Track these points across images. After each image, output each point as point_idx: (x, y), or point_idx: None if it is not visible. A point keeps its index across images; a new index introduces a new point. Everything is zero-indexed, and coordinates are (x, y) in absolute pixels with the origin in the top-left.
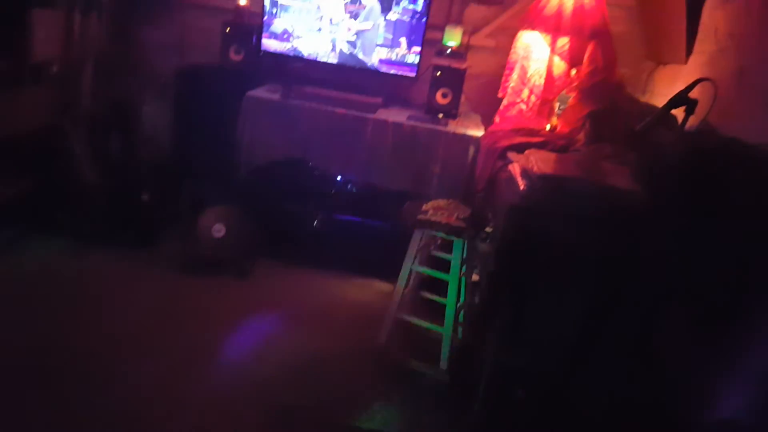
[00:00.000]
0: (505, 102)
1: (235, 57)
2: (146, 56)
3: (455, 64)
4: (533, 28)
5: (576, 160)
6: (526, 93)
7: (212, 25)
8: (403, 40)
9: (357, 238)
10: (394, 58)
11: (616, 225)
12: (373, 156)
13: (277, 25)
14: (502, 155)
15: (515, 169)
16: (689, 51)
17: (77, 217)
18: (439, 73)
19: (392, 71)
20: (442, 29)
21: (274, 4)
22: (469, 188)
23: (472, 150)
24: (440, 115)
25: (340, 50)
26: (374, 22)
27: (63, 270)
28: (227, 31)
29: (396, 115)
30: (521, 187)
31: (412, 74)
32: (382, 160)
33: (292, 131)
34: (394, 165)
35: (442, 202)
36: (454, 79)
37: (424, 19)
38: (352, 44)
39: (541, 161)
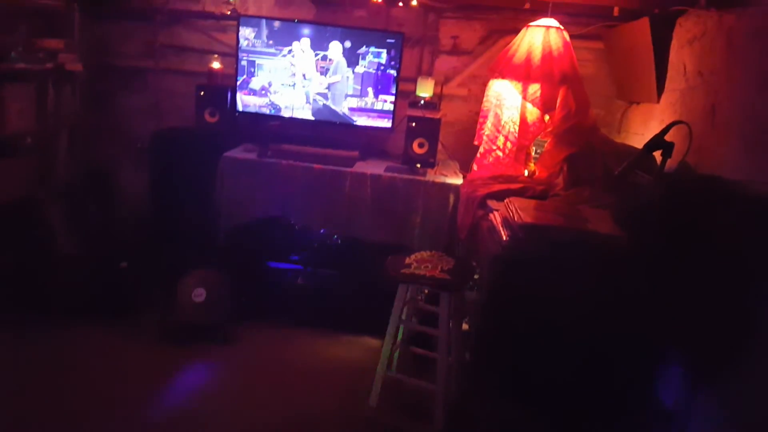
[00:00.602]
0: (481, 149)
1: (210, 119)
2: (122, 122)
3: (429, 114)
4: (504, 77)
5: (556, 207)
6: (501, 140)
7: (186, 89)
8: (370, 90)
9: (341, 292)
10: (363, 105)
11: (599, 271)
12: (353, 210)
13: (255, 83)
14: (482, 203)
15: (496, 218)
16: (660, 89)
17: (55, 288)
18: (414, 123)
19: (367, 124)
20: (414, 81)
21: (251, 64)
22: (452, 237)
23: (452, 198)
24: (418, 165)
25: (314, 101)
26: (342, 75)
27: (39, 343)
28: (201, 94)
29: (374, 168)
30: (504, 238)
31: (388, 125)
32: (362, 214)
33: (271, 189)
34: (375, 217)
35: (425, 254)
36: (429, 129)
37: (389, 71)
38: (324, 96)
39: (521, 210)
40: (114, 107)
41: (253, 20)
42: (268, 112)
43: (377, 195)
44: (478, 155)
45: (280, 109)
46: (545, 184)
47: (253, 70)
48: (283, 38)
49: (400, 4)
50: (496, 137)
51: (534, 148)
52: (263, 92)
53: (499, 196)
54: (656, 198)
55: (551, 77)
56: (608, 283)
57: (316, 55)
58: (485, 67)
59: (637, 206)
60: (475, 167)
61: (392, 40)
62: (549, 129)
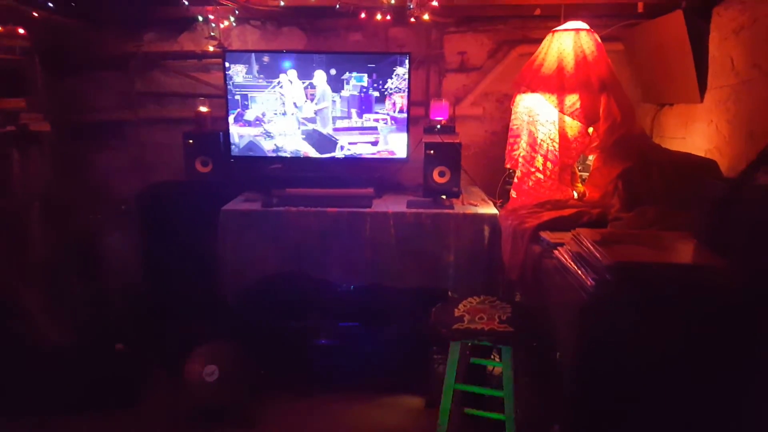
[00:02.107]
0: (518, 173)
1: (202, 169)
2: (102, 183)
3: (448, 139)
4: (534, 90)
5: (632, 237)
6: (540, 161)
7: (172, 139)
8: (354, 111)
9: (370, 347)
10: (346, 125)
11: (710, 312)
12: (377, 254)
13: (249, 114)
14: (534, 236)
15: (564, 255)
16: (702, 88)
17: (41, 385)
18: (432, 151)
19: (378, 155)
20: (423, 104)
21: (244, 97)
22: (491, 275)
23: (487, 230)
24: (443, 197)
25: (302, 125)
26: (330, 100)
27: None
28: (189, 142)
29: (394, 204)
30: (587, 282)
31: (402, 156)
32: (387, 258)
33: (281, 241)
34: (402, 260)
35: (474, 300)
36: (449, 155)
37: (371, 92)
38: (312, 120)
39: (596, 243)
40: (92, 168)
41: (239, 55)
42: (263, 140)
43: (402, 235)
44: (515, 180)
45: (273, 137)
46: (600, 206)
47: (246, 103)
48: (271, 71)
49: (412, 19)
50: (533, 158)
51: (578, 166)
52: (257, 122)
53: (553, 226)
54: None
55: (589, 85)
56: (722, 326)
57: (305, 84)
58: (499, 82)
59: (753, 229)
60: (513, 194)
61: (396, 62)
62: (594, 143)
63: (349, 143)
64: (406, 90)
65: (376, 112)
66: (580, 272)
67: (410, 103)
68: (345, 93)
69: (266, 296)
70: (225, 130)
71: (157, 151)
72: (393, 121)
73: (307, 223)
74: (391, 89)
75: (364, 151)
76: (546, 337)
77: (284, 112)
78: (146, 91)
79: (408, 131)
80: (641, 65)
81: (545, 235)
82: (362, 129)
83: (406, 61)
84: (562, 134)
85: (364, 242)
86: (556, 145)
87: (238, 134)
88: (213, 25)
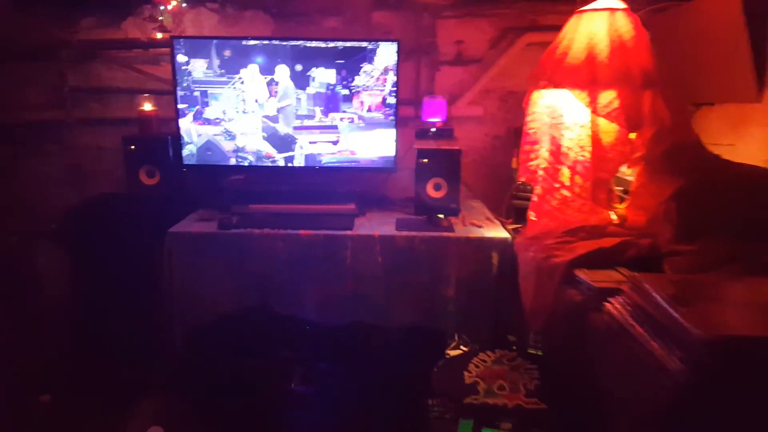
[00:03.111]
0: (538, 190)
1: (147, 180)
2: (31, 195)
3: (445, 145)
4: (557, 85)
5: (719, 287)
6: (566, 174)
7: (117, 142)
8: (317, 109)
9: (354, 394)
10: (309, 123)
11: None
12: (360, 286)
13: (209, 112)
14: (567, 275)
15: (622, 312)
16: (762, 83)
17: None
18: (426, 159)
19: (362, 163)
20: (412, 104)
21: (203, 94)
22: (501, 317)
23: (496, 258)
24: (440, 216)
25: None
26: (293, 97)
27: None
28: (131, 148)
29: (381, 224)
30: (668, 361)
31: (390, 164)
32: (373, 291)
33: (241, 271)
34: (391, 295)
35: (488, 358)
36: (446, 166)
37: (339, 90)
38: (275, 119)
39: (674, 301)
40: (19, 176)
41: (196, 47)
42: (224, 139)
43: (391, 263)
44: (534, 198)
45: (235, 137)
46: (649, 234)
47: (207, 100)
48: (233, 65)
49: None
50: (557, 171)
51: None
52: (218, 121)
53: (591, 261)
54: None
55: (630, 78)
56: None
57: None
58: (502, 77)
59: None
60: (532, 216)
61: (365, 58)
62: (638, 154)
63: (309, 142)
64: (385, 86)
65: (344, 111)
66: (656, 345)
67: (398, 101)
68: (311, 90)
69: (223, 337)
70: (175, 133)
71: (97, 157)
72: (361, 120)
73: (274, 249)
74: (358, 87)
75: (324, 150)
76: (590, 415)
77: (245, 110)
78: (84, 86)
79: (396, 135)
80: (676, 57)
81: (583, 274)
82: (323, 128)
83: (385, 53)
84: (596, 141)
85: (344, 272)
86: (588, 155)
87: (197, 133)
88: (162, 7)
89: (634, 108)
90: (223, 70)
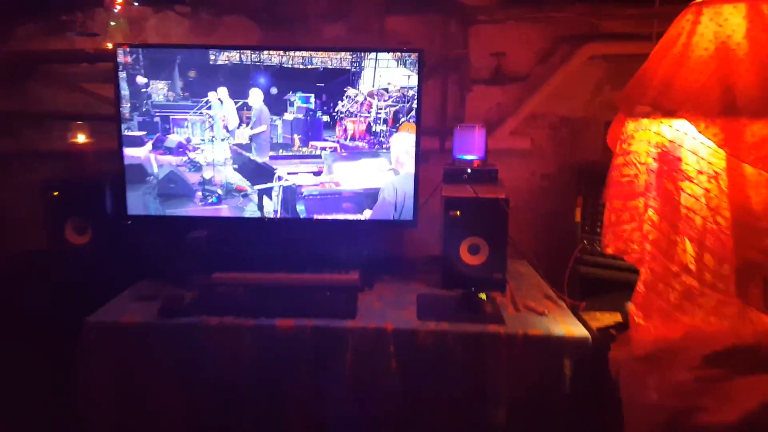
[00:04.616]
0: (644, 274)
1: (76, 238)
2: None
3: (485, 192)
4: (668, 113)
5: None
6: (689, 250)
7: (33, 185)
8: (296, 137)
9: None
10: (284, 153)
11: None
12: (365, 405)
13: (171, 140)
14: None
15: None
16: None
17: None
18: (458, 212)
19: (377, 218)
20: (438, 133)
21: (164, 120)
22: None
23: (568, 368)
24: (482, 297)
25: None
26: (268, 124)
27: None
28: (53, 195)
29: (395, 306)
30: None
31: (408, 217)
32: (383, 412)
33: (194, 381)
34: (410, 418)
35: None
36: (488, 220)
37: (319, 116)
38: (247, 147)
39: None
40: None
41: (157, 65)
42: (188, 170)
43: (411, 370)
44: (640, 286)
45: (201, 168)
46: None
47: (168, 126)
48: (198, 87)
49: None
50: (675, 243)
51: None
52: (181, 150)
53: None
54: None
55: None
56: None
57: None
58: (555, 100)
59: None
60: (636, 317)
61: (348, 81)
62: None
63: (288, 173)
64: (408, 109)
65: (325, 140)
66: None
67: (419, 130)
68: (288, 117)
69: None
70: (119, 172)
71: (13, 204)
72: (343, 149)
73: (240, 348)
74: (342, 113)
75: (306, 182)
76: None
77: (213, 137)
78: (14, 109)
79: (417, 177)
80: None
81: None
82: (303, 157)
83: (419, 60)
84: (738, 200)
85: (342, 384)
86: (725, 222)
87: (158, 163)
88: (116, 11)
89: None
90: (187, 93)
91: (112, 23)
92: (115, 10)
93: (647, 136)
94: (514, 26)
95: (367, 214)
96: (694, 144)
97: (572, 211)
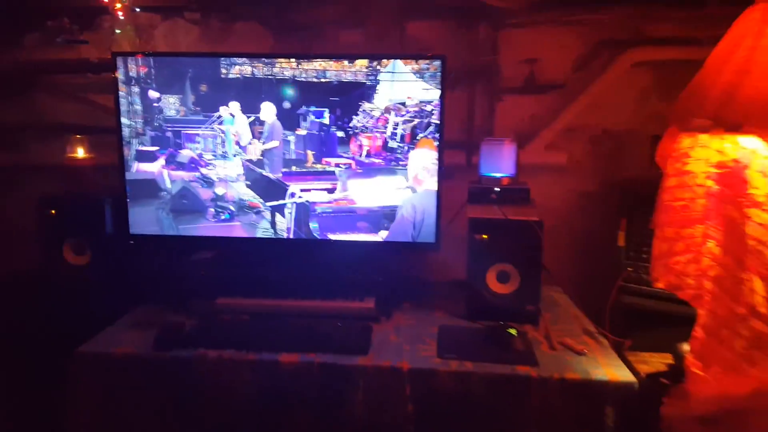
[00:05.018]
0: (703, 317)
1: (74, 259)
2: None
3: (516, 214)
4: (732, 128)
5: None
6: (760, 290)
7: (28, 203)
8: (310, 153)
9: None
10: (297, 169)
11: None
12: None
13: (183, 156)
14: None
15: None
16: None
17: None
18: (485, 235)
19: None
20: (464, 146)
21: (176, 135)
22: None
23: (611, 417)
24: (512, 333)
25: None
26: (280, 139)
27: None
28: (51, 214)
29: (413, 340)
30: None
31: (430, 239)
32: None
33: (192, 417)
34: None
35: None
36: (519, 245)
37: (333, 131)
38: (260, 163)
39: None
40: None
41: (165, 77)
42: (200, 186)
43: (431, 416)
44: (697, 332)
45: (213, 183)
46: None
47: (180, 141)
48: (211, 100)
49: None
50: (741, 282)
51: None
52: (193, 165)
53: None
54: None
55: None
56: None
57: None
58: (594, 110)
59: None
60: (694, 365)
61: (363, 95)
62: None
63: (301, 190)
64: (429, 120)
65: (340, 156)
66: None
67: (443, 144)
68: (301, 132)
69: None
70: (120, 191)
71: (23, 217)
72: (359, 166)
73: (240, 384)
74: (357, 128)
75: (319, 199)
76: None
77: (225, 153)
78: (20, 121)
79: (440, 195)
80: None
81: None
82: (317, 174)
83: (442, 66)
84: None
85: (351, 428)
86: None
87: (170, 178)
88: (122, 17)
89: None
90: (199, 107)
91: (118, 31)
92: (121, 18)
93: (706, 155)
94: (548, 30)
95: (383, 234)
96: (764, 164)
97: (614, 234)
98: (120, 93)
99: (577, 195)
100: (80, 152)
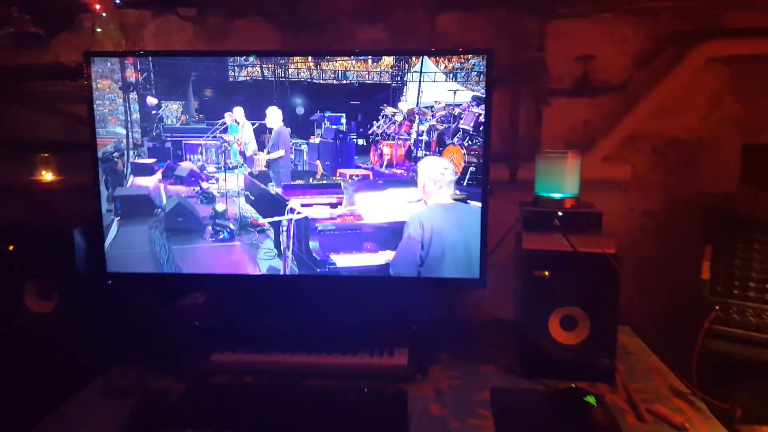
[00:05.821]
0: None
1: (37, 305)
2: None
3: (584, 246)
4: None
5: None
6: None
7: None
8: (318, 164)
9: None
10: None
11: None
12: None
13: (183, 167)
14: None
15: None
16: None
17: None
18: (547, 272)
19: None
20: (507, 159)
21: (176, 146)
22: None
23: None
24: (590, 399)
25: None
26: (287, 148)
27: None
28: (9, 250)
29: (458, 407)
30: None
31: (475, 275)
32: None
33: None
34: None
35: None
36: (590, 284)
37: (352, 138)
38: (265, 175)
39: None
40: None
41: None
42: (198, 202)
43: None
44: None
45: (214, 199)
46: None
47: (180, 152)
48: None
49: None
50: None
51: None
52: (193, 179)
53: None
54: None
55: None
56: None
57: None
58: (660, 115)
59: None
60: None
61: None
62: None
63: (302, 205)
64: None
65: (358, 166)
66: None
67: (488, 155)
68: (315, 139)
69: None
70: (95, 214)
71: None
72: (378, 177)
73: None
74: (377, 135)
75: (320, 215)
76: None
77: (227, 165)
78: None
79: (485, 222)
80: None
81: None
82: (321, 188)
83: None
84: None
85: None
86: None
87: (166, 194)
88: (105, 15)
89: None
90: (201, 114)
91: (98, 30)
92: (103, 15)
93: None
94: (604, 22)
95: (389, 255)
96: None
97: (695, 264)
98: (118, 100)
99: (641, 214)
100: (48, 173)
